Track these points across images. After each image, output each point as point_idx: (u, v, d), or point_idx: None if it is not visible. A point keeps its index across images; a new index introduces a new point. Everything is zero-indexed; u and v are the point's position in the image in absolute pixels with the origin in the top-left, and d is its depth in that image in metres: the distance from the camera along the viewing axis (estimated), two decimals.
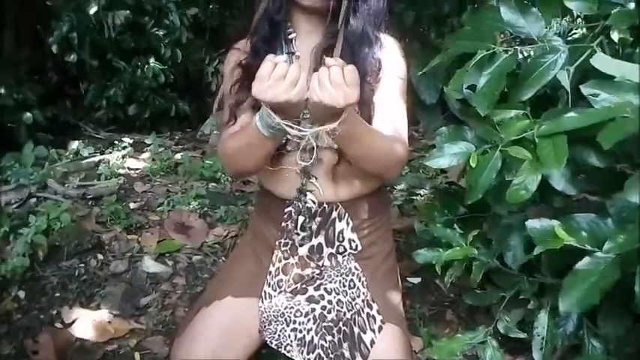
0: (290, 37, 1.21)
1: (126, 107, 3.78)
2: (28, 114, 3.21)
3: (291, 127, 0.97)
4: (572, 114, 0.99)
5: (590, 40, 1.17)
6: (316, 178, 1.23)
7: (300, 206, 1.24)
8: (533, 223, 1.00)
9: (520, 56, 1.17)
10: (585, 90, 1.03)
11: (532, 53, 1.12)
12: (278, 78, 0.91)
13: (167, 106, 4.01)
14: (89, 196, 2.30)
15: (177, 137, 3.84)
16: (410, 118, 1.30)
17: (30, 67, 3.88)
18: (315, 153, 1.09)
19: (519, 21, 1.12)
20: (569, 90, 1.06)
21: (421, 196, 2.45)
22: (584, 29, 1.19)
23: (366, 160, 1.15)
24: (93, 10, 3.62)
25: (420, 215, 1.82)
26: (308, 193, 1.24)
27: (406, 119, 1.25)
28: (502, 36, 1.21)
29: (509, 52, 1.09)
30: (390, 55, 1.24)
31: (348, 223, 1.30)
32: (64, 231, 1.87)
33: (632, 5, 1.04)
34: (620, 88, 0.98)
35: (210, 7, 4.63)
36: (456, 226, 1.39)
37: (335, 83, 0.90)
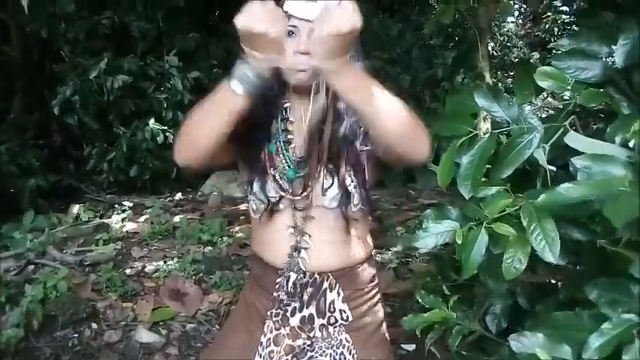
0: (285, 105, 1.21)
1: (127, 169, 3.86)
2: (32, 180, 3.28)
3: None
4: (568, 185, 1.00)
5: (563, 117, 1.23)
6: (310, 236, 1.24)
7: (293, 264, 1.23)
8: (515, 340, 1.01)
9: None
10: (578, 162, 1.06)
11: (510, 133, 1.17)
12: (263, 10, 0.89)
13: (168, 167, 4.10)
14: (86, 263, 2.32)
15: (177, 198, 3.88)
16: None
17: (36, 132, 4.00)
18: (324, 90, 1.07)
19: (493, 106, 1.18)
20: (546, 168, 1.10)
21: (417, 257, 2.46)
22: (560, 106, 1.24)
23: (386, 122, 1.01)
24: (94, 74, 3.77)
25: (416, 281, 1.82)
26: (302, 250, 1.25)
27: None
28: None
29: (487, 136, 1.13)
30: None
31: (339, 294, 1.30)
32: (60, 300, 1.88)
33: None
34: (612, 161, 1.02)
35: (215, 70, 4.80)
36: (445, 289, 1.39)
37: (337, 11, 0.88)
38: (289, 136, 1.15)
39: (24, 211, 2.98)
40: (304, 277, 1.26)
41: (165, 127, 3.91)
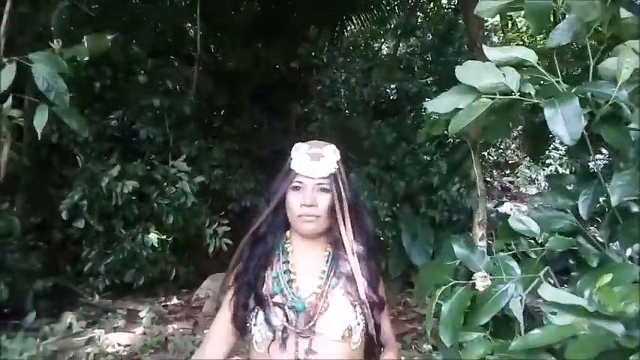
0: (288, 250, 1.27)
1: (124, 272, 3.84)
2: (39, 282, 3.30)
3: None
4: (536, 332, 1.07)
5: (538, 263, 1.29)
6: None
7: None
8: None
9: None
10: (545, 309, 1.12)
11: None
12: None
13: (165, 270, 4.10)
14: None
15: (172, 303, 3.84)
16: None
17: (36, 234, 4.05)
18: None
19: (470, 256, 1.25)
20: (521, 320, 1.15)
21: None
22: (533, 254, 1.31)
23: None
24: (105, 181, 3.90)
25: None
26: None
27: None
28: None
29: (464, 287, 1.19)
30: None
31: None
32: None
33: None
34: (576, 310, 1.06)
35: (215, 172, 4.95)
36: None
37: None
38: (292, 276, 1.21)
39: (27, 313, 3.00)
40: None
41: (165, 235, 3.97)
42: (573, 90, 1.16)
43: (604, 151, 1.50)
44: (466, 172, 4.70)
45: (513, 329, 1.27)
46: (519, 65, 1.22)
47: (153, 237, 3.76)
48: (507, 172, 9.50)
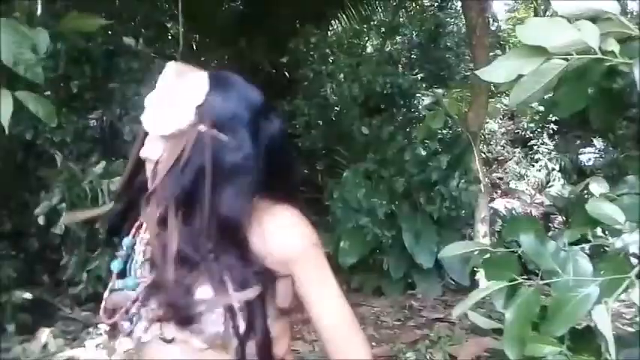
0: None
1: (108, 280, 3.55)
2: (17, 293, 3.00)
3: None
4: None
5: (621, 260, 1.09)
6: None
7: None
8: None
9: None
10: None
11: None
12: None
13: None
14: None
15: None
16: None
17: (11, 242, 3.75)
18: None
19: (541, 250, 1.04)
20: (610, 336, 0.93)
21: None
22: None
23: None
24: (88, 179, 3.61)
25: None
26: None
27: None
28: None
29: (532, 287, 0.98)
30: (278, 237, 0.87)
31: None
32: None
33: None
34: None
35: None
36: None
37: None
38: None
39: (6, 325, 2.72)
40: None
41: None
42: None
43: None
44: (467, 167, 4.55)
45: (594, 343, 1.06)
46: (592, 21, 1.01)
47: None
48: (496, 167, 9.40)
